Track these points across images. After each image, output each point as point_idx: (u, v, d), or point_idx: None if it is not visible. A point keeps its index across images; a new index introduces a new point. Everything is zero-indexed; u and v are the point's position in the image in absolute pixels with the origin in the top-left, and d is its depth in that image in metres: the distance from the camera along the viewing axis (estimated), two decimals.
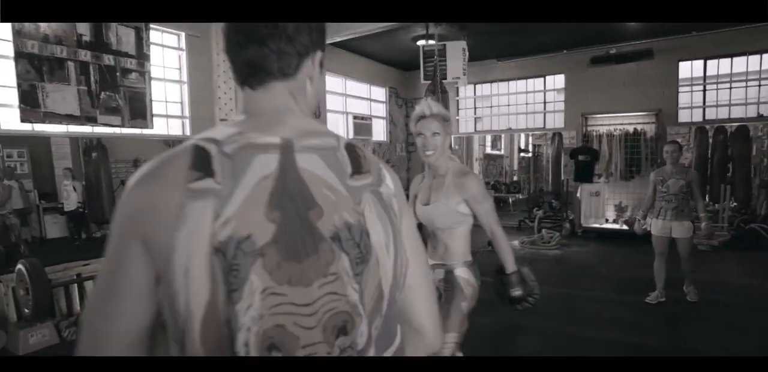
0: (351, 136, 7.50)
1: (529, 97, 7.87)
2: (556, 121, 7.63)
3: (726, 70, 6.41)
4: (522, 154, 14.27)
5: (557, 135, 11.22)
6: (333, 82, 7.06)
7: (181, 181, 0.56)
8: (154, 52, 4.59)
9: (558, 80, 7.49)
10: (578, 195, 6.87)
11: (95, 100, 4.12)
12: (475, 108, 8.46)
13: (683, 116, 6.64)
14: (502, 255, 1.78)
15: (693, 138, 6.34)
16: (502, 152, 14.19)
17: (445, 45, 5.93)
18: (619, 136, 6.76)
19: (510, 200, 10.79)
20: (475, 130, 8.60)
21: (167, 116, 4.92)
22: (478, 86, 8.27)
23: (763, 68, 6.20)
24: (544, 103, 7.73)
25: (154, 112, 4.57)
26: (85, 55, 4.02)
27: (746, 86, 6.31)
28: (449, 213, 1.75)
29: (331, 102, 7.01)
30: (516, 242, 6.24)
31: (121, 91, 4.28)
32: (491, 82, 8.10)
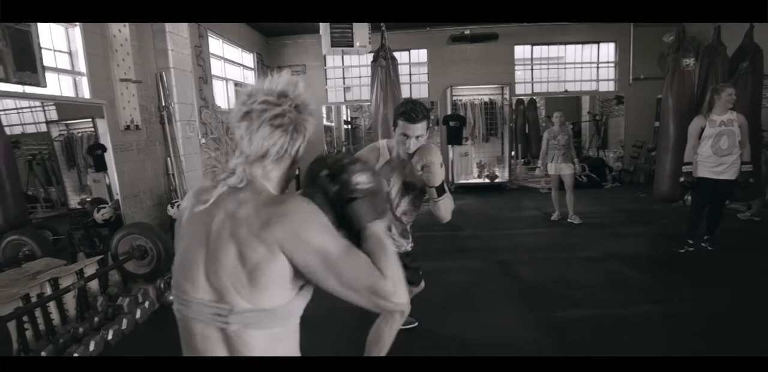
0: (233, 104, 6.89)
1: None
2: (422, 92, 8.52)
3: (545, 55, 8.33)
4: (345, 126, 15.11)
5: None
6: (214, 44, 6.33)
7: None
8: None
9: (422, 54, 8.35)
10: (450, 156, 7.98)
11: None
12: (344, 78, 8.71)
13: (519, 89, 8.36)
14: None
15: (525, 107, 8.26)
16: (333, 124, 14.74)
17: None
18: (479, 104, 8.08)
19: None
20: (345, 100, 8.87)
21: (58, 70, 3.68)
22: (346, 57, 8.50)
23: (567, 55, 8.32)
24: (410, 74, 8.51)
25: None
26: None
27: (557, 68, 8.36)
28: None
29: (213, 67, 6.30)
30: None
31: None
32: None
